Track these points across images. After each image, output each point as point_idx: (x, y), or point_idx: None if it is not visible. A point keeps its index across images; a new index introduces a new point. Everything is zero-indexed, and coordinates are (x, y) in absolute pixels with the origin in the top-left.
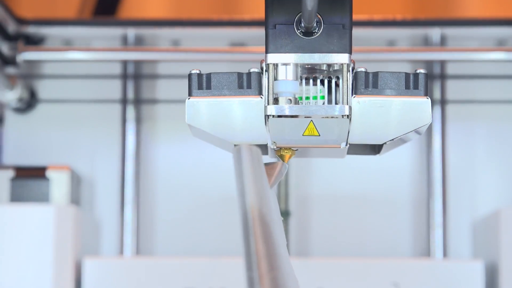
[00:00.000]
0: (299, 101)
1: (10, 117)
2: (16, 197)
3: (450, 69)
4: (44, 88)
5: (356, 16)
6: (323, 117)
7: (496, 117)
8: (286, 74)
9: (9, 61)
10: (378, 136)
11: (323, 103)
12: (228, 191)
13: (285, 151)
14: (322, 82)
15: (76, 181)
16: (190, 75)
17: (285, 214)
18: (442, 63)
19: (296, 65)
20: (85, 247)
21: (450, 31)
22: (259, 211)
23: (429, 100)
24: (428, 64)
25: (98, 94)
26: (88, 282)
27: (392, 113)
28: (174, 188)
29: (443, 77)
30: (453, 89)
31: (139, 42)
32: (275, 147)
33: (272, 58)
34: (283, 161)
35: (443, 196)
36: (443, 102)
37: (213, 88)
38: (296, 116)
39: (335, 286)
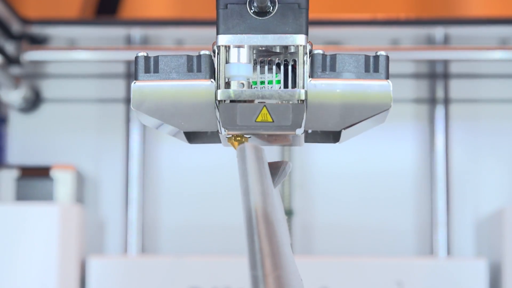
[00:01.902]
0: (253, 86)
1: (15, 117)
2: (21, 196)
3: (454, 68)
4: (48, 88)
5: (359, 15)
6: (277, 102)
7: (499, 116)
8: (239, 56)
9: (14, 60)
10: (335, 123)
11: (280, 88)
12: (232, 190)
13: (237, 138)
14: (278, 66)
15: (80, 180)
16: (136, 58)
17: (289, 212)
18: (446, 62)
19: (250, 47)
20: (90, 246)
21: (453, 30)
22: (263, 210)
23: (390, 83)
24: (432, 63)
25: (102, 94)
26: (93, 280)
27: (350, 97)
28: (178, 187)
29: (446, 76)
30: (457, 88)
31: (143, 42)
32: (227, 134)
33: (224, 39)
34: (234, 148)
35: (446, 195)
36: (446, 101)
37: (160, 72)
38: (249, 102)
39: (339, 284)
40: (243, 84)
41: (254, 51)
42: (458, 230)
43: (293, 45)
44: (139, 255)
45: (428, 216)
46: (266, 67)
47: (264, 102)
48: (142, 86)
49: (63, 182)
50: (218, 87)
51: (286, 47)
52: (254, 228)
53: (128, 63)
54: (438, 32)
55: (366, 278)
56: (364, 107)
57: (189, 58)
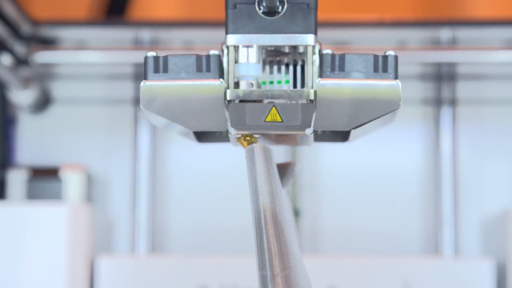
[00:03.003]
0: (262, 86)
1: (24, 118)
2: (30, 196)
3: (460, 70)
4: (58, 89)
5: (366, 16)
6: (286, 102)
7: (507, 117)
8: (248, 56)
9: (23, 62)
10: (345, 122)
11: (289, 88)
12: (240, 190)
13: (247, 138)
14: (287, 66)
15: (89, 180)
16: (145, 58)
17: (296, 212)
18: (452, 63)
19: (259, 47)
20: (99, 246)
21: (460, 32)
22: (272, 210)
23: (399, 83)
24: (438, 64)
25: (111, 95)
26: (102, 280)
27: (359, 97)
28: (187, 187)
29: (453, 77)
30: (464, 89)
31: (152, 43)
32: (236, 134)
33: (232, 39)
34: (243, 148)
35: (453, 195)
36: (453, 102)
37: (170, 72)
38: (258, 101)
39: (346, 284)
40: (252, 84)
41: (263, 51)
42: (464, 230)
43: (302, 45)
44: (148, 255)
45: (434, 216)
46: (275, 67)
47: (273, 102)
48: (152, 85)
49: (72, 183)
50: (227, 87)
51: (295, 47)
52: (262, 228)
53: (137, 64)
54: (445, 33)
55: (373, 278)
56: (374, 106)
57: (198, 58)
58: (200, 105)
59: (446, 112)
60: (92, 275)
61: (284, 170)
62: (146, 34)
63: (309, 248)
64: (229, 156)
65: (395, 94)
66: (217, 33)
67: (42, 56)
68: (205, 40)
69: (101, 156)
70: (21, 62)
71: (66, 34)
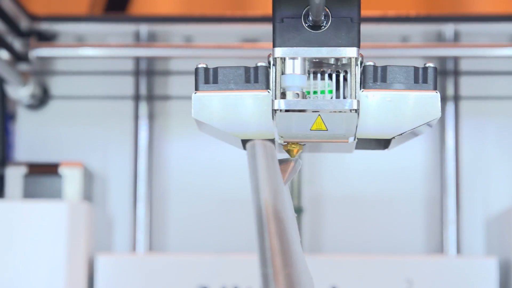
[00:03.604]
0: (307, 96)
1: (23, 114)
2: (29, 193)
3: (464, 65)
4: (56, 85)
5: (369, 12)
6: (331, 112)
7: (510, 113)
8: (294, 68)
9: (22, 57)
10: (386, 131)
11: (331, 98)
12: (241, 187)
13: (293, 145)
14: (330, 76)
15: (88, 177)
16: (196, 69)
17: (298, 210)
18: (456, 59)
19: (304, 59)
20: (98, 244)
21: (463, 27)
22: (273, 207)
23: (439, 94)
24: (442, 60)
25: (110, 91)
26: (101, 278)
27: (401, 107)
28: (187, 184)
29: (456, 73)
30: (467, 85)
31: (152, 39)
32: (282, 141)
33: (280, 52)
34: (290, 156)
35: (456, 193)
36: (456, 98)
37: (220, 83)
38: (303, 111)
39: (349, 282)
40: (298, 94)
41: (308, 62)
42: (468, 228)
43: (346, 57)
44: (147, 253)
45: (438, 214)
46: (319, 77)
47: (318, 111)
48: (203, 96)
49: (71, 179)
50: (274, 97)
51: (338, 59)
52: (264, 225)
53: (136, 59)
54: (448, 29)
55: (376, 276)
56: (414, 116)
57: (247, 69)
58: (249, 114)
59: (449, 108)
60: (91, 272)
61: (286, 167)
62: (145, 29)
63: (310, 246)
64: (230, 154)
65: (435, 104)
66: (215, 29)
67: (41, 52)
68: (204, 35)
69: (100, 152)
70: (19, 57)
71: (65, 29)
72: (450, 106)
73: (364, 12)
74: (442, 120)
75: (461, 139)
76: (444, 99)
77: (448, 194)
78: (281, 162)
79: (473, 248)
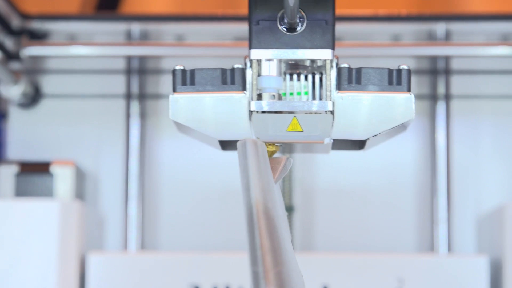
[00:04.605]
0: (283, 97)
1: (14, 113)
2: (20, 192)
3: (455, 64)
4: (48, 83)
5: (360, 11)
6: (306, 113)
7: (501, 112)
8: (270, 70)
9: (13, 56)
10: (361, 132)
11: (307, 99)
12: (232, 185)
13: (269, 146)
14: (306, 78)
15: (80, 176)
16: (174, 71)
17: (290, 209)
18: (447, 58)
19: (280, 61)
20: (90, 242)
21: (454, 26)
22: (264, 205)
23: (412, 95)
24: (433, 59)
25: (102, 89)
26: (93, 277)
27: (375, 108)
28: (179, 183)
29: (447, 72)
30: (458, 84)
31: (143, 37)
32: None
33: (256, 54)
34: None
35: (447, 191)
36: (447, 97)
37: (196, 84)
38: (279, 112)
39: (339, 281)
40: (274, 95)
41: (284, 64)
42: (459, 226)
43: (321, 59)
44: (139, 251)
45: (429, 212)
46: (295, 79)
47: (294, 113)
48: (180, 97)
49: (62, 178)
50: (251, 99)
51: (313, 61)
52: (255, 224)
53: (128, 58)
54: (440, 28)
55: (367, 275)
56: (389, 118)
57: (223, 71)
58: (225, 115)
59: (441, 107)
60: (82, 271)
61: (276, 165)
62: (137, 28)
63: (302, 244)
64: (221, 153)
65: (409, 106)
66: (207, 27)
67: (32, 50)
68: (196, 34)
69: (92, 151)
70: (11, 56)
71: (56, 28)
72: (441, 105)
73: (355, 11)
74: (433, 119)
75: (452, 138)
76: (435, 98)
77: (439, 192)
78: (272, 160)
79: (464, 246)
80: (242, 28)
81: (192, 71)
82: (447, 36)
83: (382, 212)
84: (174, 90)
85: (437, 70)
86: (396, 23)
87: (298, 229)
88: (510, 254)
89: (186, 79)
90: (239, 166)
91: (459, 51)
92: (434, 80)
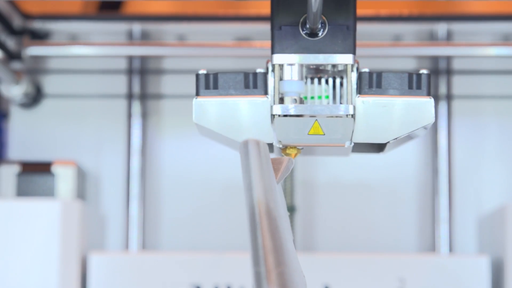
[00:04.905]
0: (304, 101)
1: (16, 112)
2: (21, 192)
3: (456, 64)
4: (49, 83)
5: (362, 11)
6: (327, 117)
7: (502, 112)
8: (292, 74)
9: (15, 56)
10: (381, 135)
11: (328, 103)
12: (234, 185)
13: (291, 149)
14: (327, 82)
15: (81, 176)
16: (197, 75)
17: (291, 209)
18: (448, 58)
19: (301, 65)
20: (91, 242)
21: (456, 26)
22: (266, 206)
23: (432, 100)
24: (434, 59)
25: (103, 89)
26: (94, 277)
27: (395, 112)
28: (180, 183)
29: (449, 72)
30: (459, 84)
31: (145, 37)
32: (280, 146)
33: (278, 58)
34: None
35: (449, 191)
36: (449, 97)
37: (220, 88)
38: (301, 116)
39: (341, 281)
40: (295, 99)
41: (305, 69)
42: (460, 226)
43: (342, 64)
44: (140, 251)
45: (430, 212)
46: (316, 83)
47: (316, 116)
48: (203, 101)
49: (64, 178)
50: (273, 102)
51: (334, 65)
52: (257, 224)
53: (130, 58)
54: (441, 28)
55: (368, 275)
56: (409, 121)
57: (246, 75)
58: (248, 119)
59: (442, 107)
60: (84, 271)
61: (278, 165)
62: (138, 28)
63: (303, 244)
64: (223, 152)
65: (428, 110)
66: (208, 27)
67: (34, 50)
68: (197, 34)
69: (93, 151)
70: (12, 56)
71: (58, 28)
72: (443, 105)
73: (357, 12)
74: (434, 119)
75: (454, 138)
76: (436, 98)
77: (440, 192)
78: (274, 160)
79: (465, 246)
80: (243, 28)
81: (215, 75)
82: (449, 36)
83: (383, 212)
84: (198, 94)
85: (439, 70)
86: (398, 23)
87: (299, 229)
88: (511, 254)
89: (209, 83)
90: (241, 166)
91: (460, 51)
92: (435, 80)
